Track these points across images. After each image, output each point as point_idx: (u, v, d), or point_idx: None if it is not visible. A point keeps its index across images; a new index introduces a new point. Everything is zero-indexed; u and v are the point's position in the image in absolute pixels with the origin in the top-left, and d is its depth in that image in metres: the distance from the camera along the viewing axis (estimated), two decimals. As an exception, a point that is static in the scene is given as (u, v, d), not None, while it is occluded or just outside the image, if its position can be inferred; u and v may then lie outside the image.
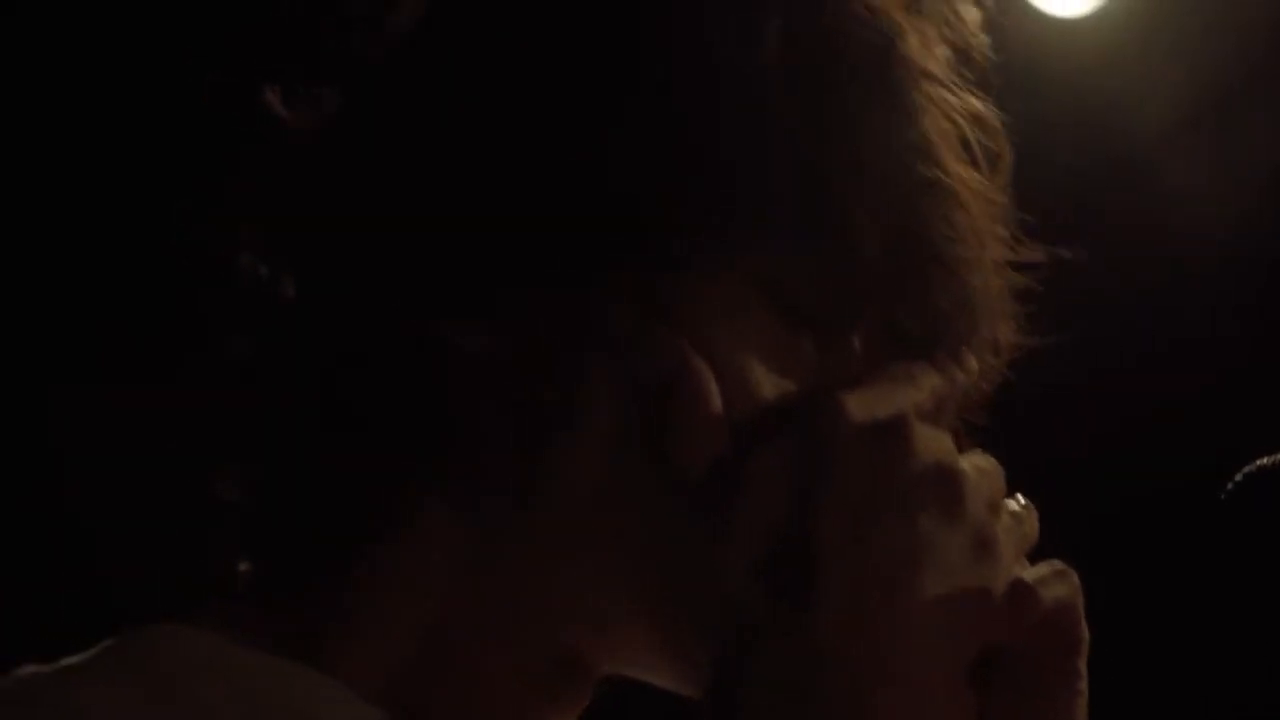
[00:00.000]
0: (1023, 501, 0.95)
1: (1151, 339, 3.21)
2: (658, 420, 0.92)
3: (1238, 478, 1.20)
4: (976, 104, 0.99)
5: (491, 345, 0.92)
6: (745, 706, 0.88)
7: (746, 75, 0.94)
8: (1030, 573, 0.93)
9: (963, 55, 1.00)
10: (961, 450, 0.94)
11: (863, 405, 0.92)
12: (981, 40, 1.00)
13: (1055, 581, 0.93)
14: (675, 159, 0.93)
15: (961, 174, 0.97)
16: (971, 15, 1.01)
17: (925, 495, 0.90)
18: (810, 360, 0.95)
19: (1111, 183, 3.23)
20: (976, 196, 0.97)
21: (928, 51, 0.98)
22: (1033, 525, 0.95)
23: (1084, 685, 0.94)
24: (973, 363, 0.98)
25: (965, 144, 0.98)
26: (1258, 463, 1.23)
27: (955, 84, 0.98)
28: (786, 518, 0.90)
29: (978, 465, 0.93)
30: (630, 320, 0.93)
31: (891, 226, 0.94)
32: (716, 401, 0.92)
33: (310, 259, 0.97)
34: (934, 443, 0.92)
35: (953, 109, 0.98)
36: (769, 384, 0.94)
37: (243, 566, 0.97)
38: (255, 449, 0.97)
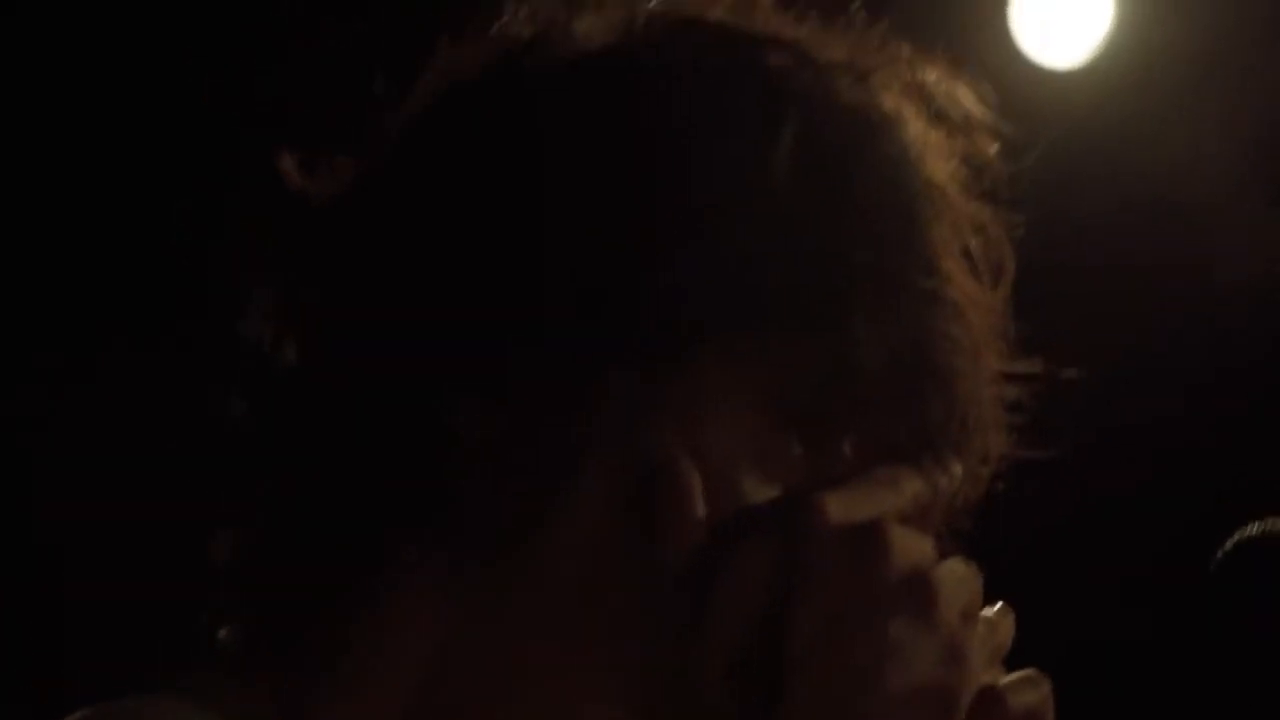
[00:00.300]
0: (999, 609, 0.96)
1: (1127, 405, 3.20)
2: (641, 513, 0.92)
3: (1227, 547, 1.18)
4: (983, 214, 1.00)
5: (489, 429, 0.92)
6: None
7: (759, 182, 0.95)
8: (1002, 680, 0.94)
9: (972, 163, 1.01)
10: (943, 555, 0.94)
11: (841, 507, 0.92)
12: (990, 149, 1.01)
13: (1025, 689, 0.94)
14: (684, 260, 0.93)
15: (964, 285, 0.98)
16: (983, 124, 1.02)
17: (899, 600, 0.91)
18: (797, 461, 0.96)
19: (1102, 233, 3.23)
20: (977, 307, 0.98)
21: (939, 161, 0.99)
22: (1007, 633, 0.95)
23: None
24: (958, 470, 0.98)
25: (968, 254, 0.98)
26: (1246, 531, 1.21)
27: (964, 193, 0.99)
28: (761, 616, 0.91)
29: (954, 572, 0.94)
30: (625, 413, 0.93)
31: (893, 336, 0.95)
32: (699, 497, 0.93)
33: (315, 327, 0.97)
34: (911, 548, 0.92)
35: (960, 217, 0.99)
36: (754, 482, 0.94)
37: (224, 633, 0.97)
38: (249, 512, 0.97)
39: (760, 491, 0.94)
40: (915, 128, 0.99)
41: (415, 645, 0.94)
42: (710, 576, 0.91)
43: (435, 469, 0.93)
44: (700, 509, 0.92)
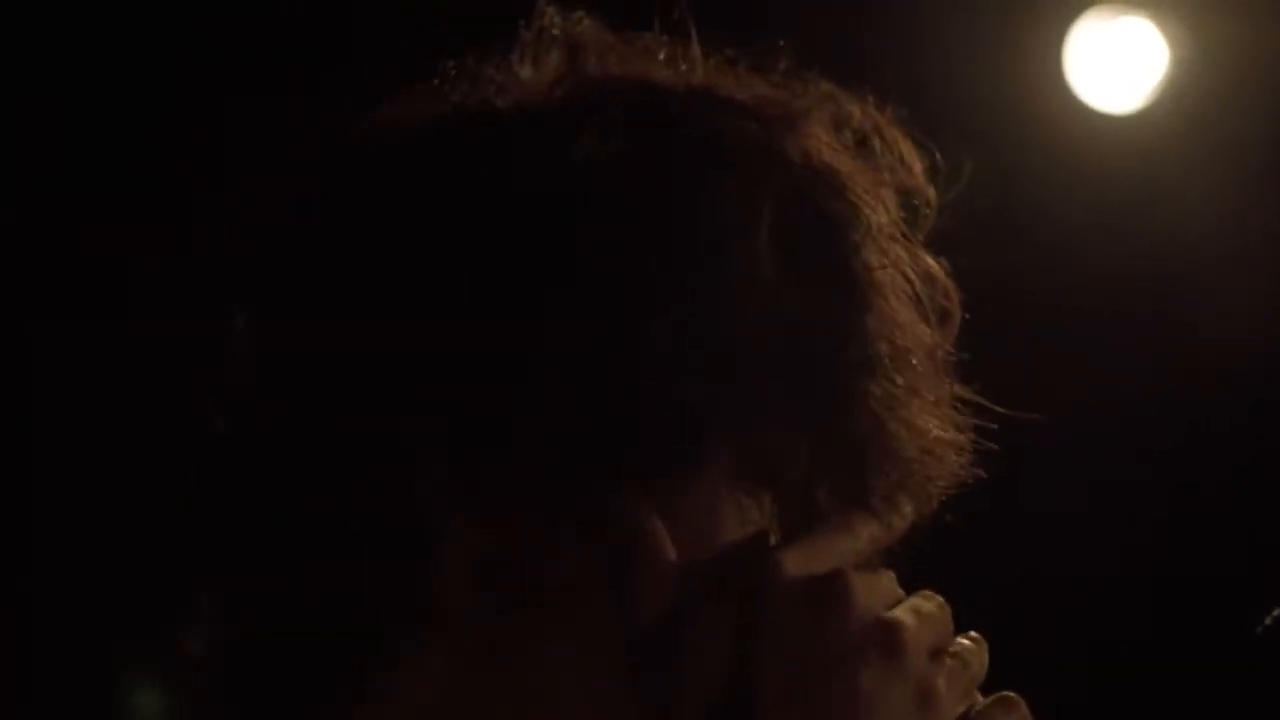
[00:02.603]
0: (973, 638, 0.96)
1: (1169, 434, 3.20)
2: (616, 582, 0.92)
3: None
4: (928, 260, 0.99)
5: (474, 537, 0.91)
6: None
7: (748, 278, 0.93)
8: (977, 709, 0.94)
9: (909, 206, 1.00)
10: (910, 590, 0.94)
11: (798, 560, 0.92)
12: (928, 190, 1.01)
13: (1000, 715, 0.95)
14: (687, 369, 0.92)
15: (915, 332, 0.97)
16: (918, 164, 1.01)
17: (864, 651, 0.90)
18: (764, 517, 0.95)
19: (1152, 272, 3.23)
20: (928, 354, 0.97)
21: (886, 210, 0.98)
22: (981, 662, 0.95)
23: None
24: (909, 510, 0.97)
25: (918, 299, 0.98)
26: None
27: (908, 240, 0.98)
28: (728, 679, 0.90)
29: (919, 611, 0.93)
30: (612, 510, 0.92)
31: (863, 399, 0.95)
32: (668, 559, 0.92)
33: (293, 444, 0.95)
34: (873, 595, 0.92)
35: (906, 265, 0.98)
36: (719, 542, 0.93)
37: None
38: (225, 602, 0.96)
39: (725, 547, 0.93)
40: (860, 181, 0.97)
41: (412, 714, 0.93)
42: (675, 641, 0.91)
43: (422, 571, 0.91)
44: (669, 564, 0.91)
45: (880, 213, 0.97)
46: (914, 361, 0.96)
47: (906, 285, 0.97)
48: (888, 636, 0.91)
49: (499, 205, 0.94)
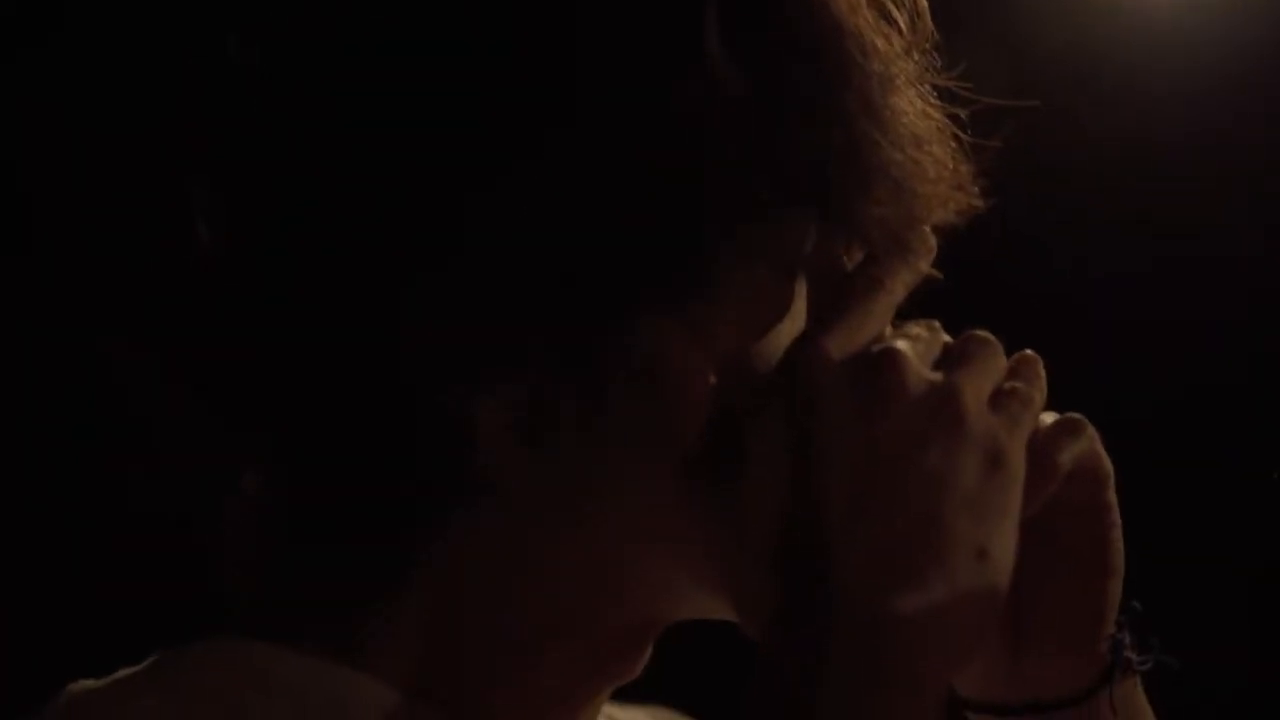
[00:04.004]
0: (1026, 360, 0.93)
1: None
2: (653, 410, 0.89)
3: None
4: None
5: (506, 392, 0.88)
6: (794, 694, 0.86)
7: (694, 50, 0.89)
8: (1043, 437, 0.92)
9: None
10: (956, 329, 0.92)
11: (842, 341, 0.89)
12: None
13: (1069, 440, 0.93)
14: (697, 174, 0.88)
15: (888, 54, 0.92)
16: None
17: (927, 429, 0.88)
18: (802, 305, 0.92)
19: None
20: (908, 78, 0.93)
21: None
22: (1041, 389, 0.93)
23: (1117, 517, 0.96)
24: (932, 240, 0.94)
25: (884, 10, 0.93)
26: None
27: None
28: (793, 487, 0.88)
29: (973, 360, 0.90)
30: (644, 338, 0.89)
31: (853, 153, 0.90)
32: (707, 380, 0.89)
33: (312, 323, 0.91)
34: (922, 357, 0.90)
35: None
36: (767, 346, 0.91)
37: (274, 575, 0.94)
38: (282, 447, 0.93)
39: (775, 350, 0.90)
40: None
41: (474, 569, 0.91)
42: (734, 455, 0.89)
43: (456, 446, 0.88)
44: (712, 397, 0.89)
45: None
46: (896, 84, 0.92)
47: (865, 6, 0.92)
48: (947, 408, 0.88)
49: None
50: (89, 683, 0.91)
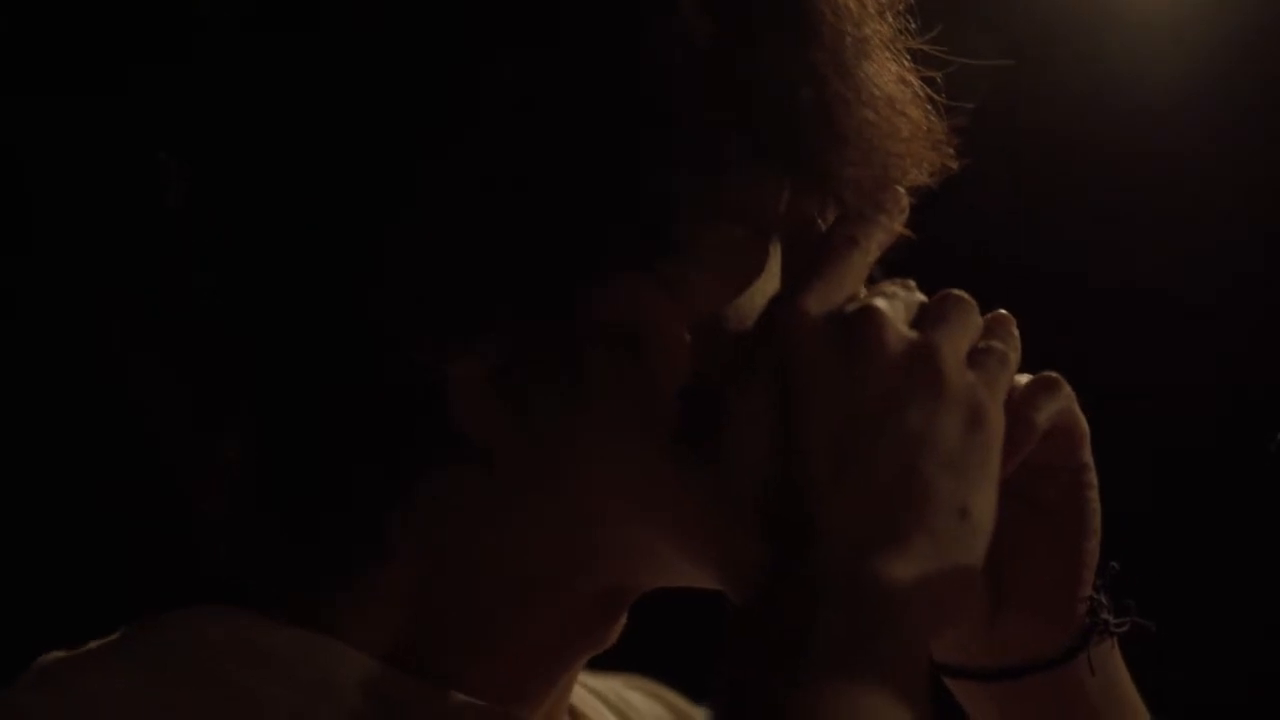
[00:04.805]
0: (999, 318, 0.93)
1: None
2: (631, 372, 0.88)
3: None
4: None
5: (481, 367, 0.88)
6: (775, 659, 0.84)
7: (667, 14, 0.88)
8: (1020, 396, 0.92)
9: None
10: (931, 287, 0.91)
11: (819, 299, 0.89)
12: None
13: (1045, 398, 0.93)
14: (666, 140, 0.87)
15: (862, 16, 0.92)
16: None
17: (906, 388, 0.87)
18: (777, 265, 0.91)
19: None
20: (882, 40, 0.92)
21: None
22: (1015, 347, 0.92)
23: (1094, 477, 0.96)
24: (904, 198, 0.93)
25: None
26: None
27: None
28: (775, 449, 0.87)
29: (950, 318, 0.90)
30: (619, 300, 0.88)
31: (825, 115, 0.90)
32: (684, 340, 0.88)
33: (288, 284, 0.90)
34: (899, 314, 0.89)
35: None
36: (744, 306, 0.90)
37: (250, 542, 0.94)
38: (258, 415, 0.92)
39: (752, 310, 0.90)
40: None
41: (452, 534, 0.90)
42: (714, 416, 0.88)
43: (439, 403, 0.88)
44: (690, 356, 0.88)
45: None
46: (869, 46, 0.91)
47: None
48: (927, 366, 0.88)
49: None
50: (60, 654, 0.91)
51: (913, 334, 0.89)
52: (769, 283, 0.91)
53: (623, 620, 0.96)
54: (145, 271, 0.93)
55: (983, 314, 0.93)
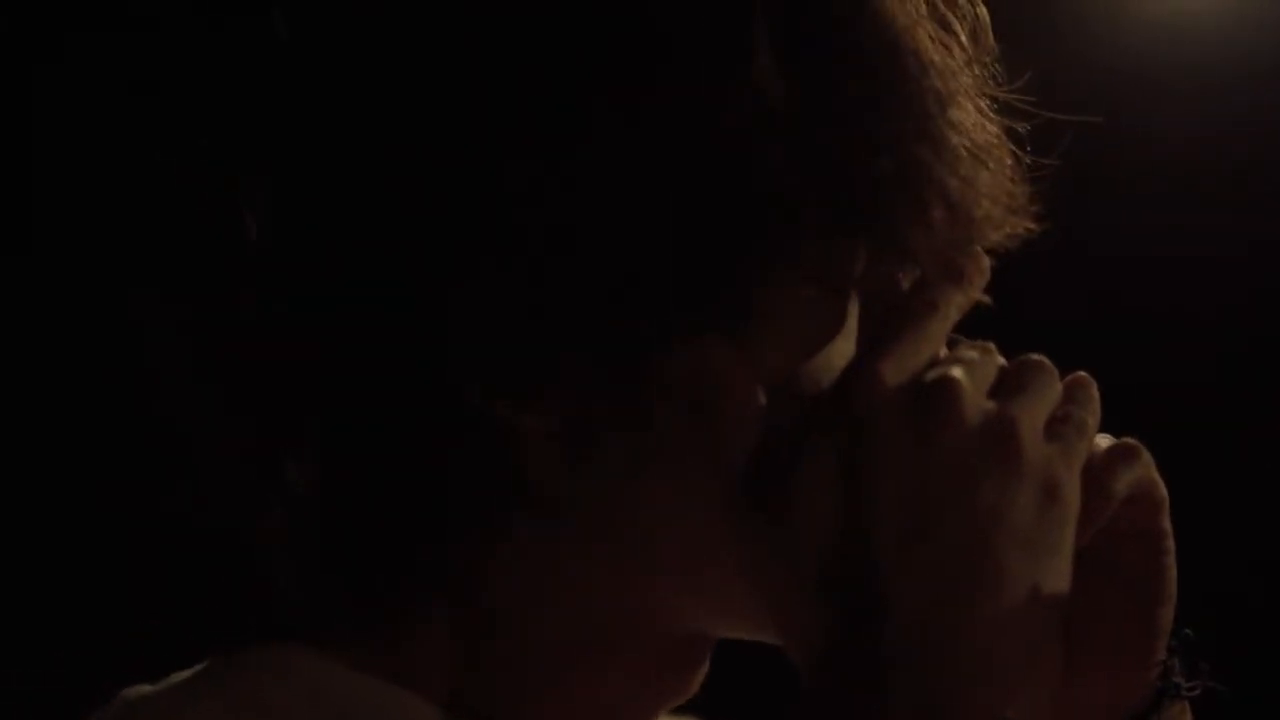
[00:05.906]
0: (1079, 382, 0.91)
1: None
2: (701, 433, 0.88)
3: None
4: None
5: (552, 419, 0.88)
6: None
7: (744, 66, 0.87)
8: (1099, 464, 0.90)
9: None
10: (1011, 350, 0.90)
11: (895, 367, 0.87)
12: None
13: (1124, 467, 0.91)
14: (710, 202, 0.86)
15: (950, 68, 0.90)
16: None
17: (981, 461, 0.85)
18: (854, 327, 0.91)
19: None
20: (966, 92, 0.91)
21: None
22: (1095, 413, 0.91)
23: (1171, 543, 0.94)
24: (984, 262, 0.92)
25: (942, 23, 0.91)
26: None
27: None
28: (842, 517, 0.86)
29: (1027, 387, 0.89)
30: (691, 361, 0.88)
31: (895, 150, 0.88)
32: (756, 403, 0.87)
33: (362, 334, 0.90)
34: (978, 385, 0.87)
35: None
36: (818, 369, 0.89)
37: (322, 584, 0.94)
38: (322, 456, 0.92)
39: (829, 374, 0.89)
40: None
41: (520, 582, 0.91)
42: (785, 484, 0.87)
43: (505, 456, 0.88)
44: (761, 419, 0.87)
45: None
46: (953, 100, 0.90)
47: (926, 19, 0.90)
48: (1004, 440, 0.86)
49: None
50: (144, 688, 0.91)
51: (990, 405, 0.88)
52: (845, 343, 0.90)
53: (702, 671, 0.95)
54: (218, 303, 0.94)
55: (1061, 372, 0.92)
